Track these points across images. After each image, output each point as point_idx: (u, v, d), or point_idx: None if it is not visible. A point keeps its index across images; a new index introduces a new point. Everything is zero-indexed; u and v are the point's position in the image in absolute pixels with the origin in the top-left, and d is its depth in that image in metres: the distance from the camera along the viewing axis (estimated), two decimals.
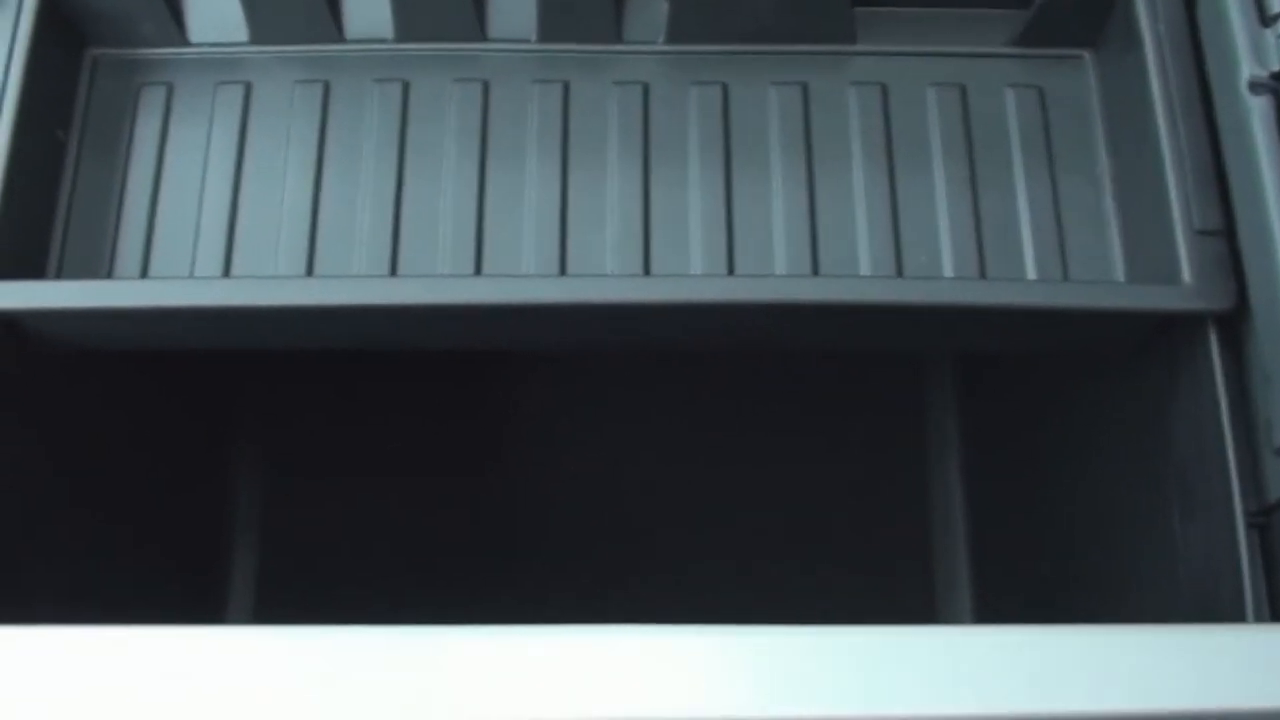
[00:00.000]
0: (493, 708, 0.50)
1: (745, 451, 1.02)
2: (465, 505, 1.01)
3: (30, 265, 0.63)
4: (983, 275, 0.63)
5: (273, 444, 1.01)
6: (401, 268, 0.63)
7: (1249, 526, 0.58)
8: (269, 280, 0.63)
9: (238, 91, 0.67)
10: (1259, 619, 0.56)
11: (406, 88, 0.67)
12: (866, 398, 1.02)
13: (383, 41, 0.68)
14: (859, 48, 0.68)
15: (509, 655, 0.51)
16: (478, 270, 0.63)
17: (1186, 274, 0.60)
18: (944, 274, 0.63)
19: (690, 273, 0.63)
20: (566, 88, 0.67)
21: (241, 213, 0.65)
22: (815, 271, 0.63)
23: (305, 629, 0.52)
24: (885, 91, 0.67)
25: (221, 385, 1.00)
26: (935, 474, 1.00)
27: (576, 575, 0.94)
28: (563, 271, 0.63)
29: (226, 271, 0.63)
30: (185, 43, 0.68)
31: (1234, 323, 0.60)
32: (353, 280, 0.62)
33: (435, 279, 0.62)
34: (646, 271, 0.63)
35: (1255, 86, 0.59)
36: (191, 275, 0.64)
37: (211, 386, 0.99)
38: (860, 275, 0.63)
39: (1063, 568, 0.81)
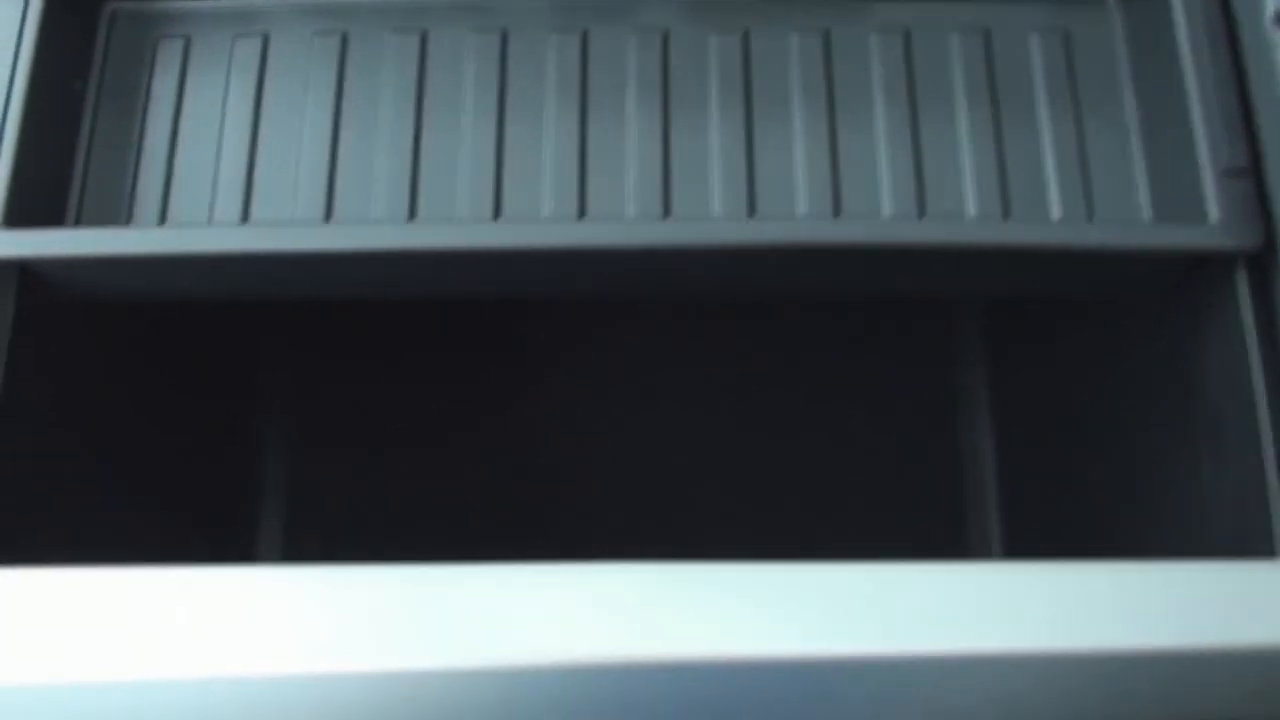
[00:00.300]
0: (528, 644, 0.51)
1: (769, 405, 1.01)
2: (491, 467, 1.01)
3: (48, 215, 0.63)
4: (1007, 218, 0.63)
5: (298, 407, 1.01)
6: (420, 216, 0.63)
7: None
8: (287, 226, 0.62)
9: (255, 43, 0.67)
10: None
11: (424, 37, 0.66)
12: (893, 348, 1.01)
13: None
14: None
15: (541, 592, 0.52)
16: (497, 215, 0.62)
17: (1214, 214, 0.59)
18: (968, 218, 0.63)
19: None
20: (585, 36, 0.66)
21: (260, 163, 0.64)
22: (837, 216, 0.62)
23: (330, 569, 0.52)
24: (908, 37, 0.66)
25: (246, 348, 1.00)
26: (964, 424, 0.99)
27: (601, 531, 0.93)
28: (582, 218, 0.63)
29: (245, 220, 0.63)
30: None
31: (1262, 262, 0.59)
32: (371, 225, 0.62)
33: (453, 223, 0.62)
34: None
35: None
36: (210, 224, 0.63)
37: (236, 349, 0.99)
38: (882, 217, 0.62)
39: (1092, 516, 0.80)
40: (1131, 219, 0.63)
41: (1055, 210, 0.63)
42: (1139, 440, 0.72)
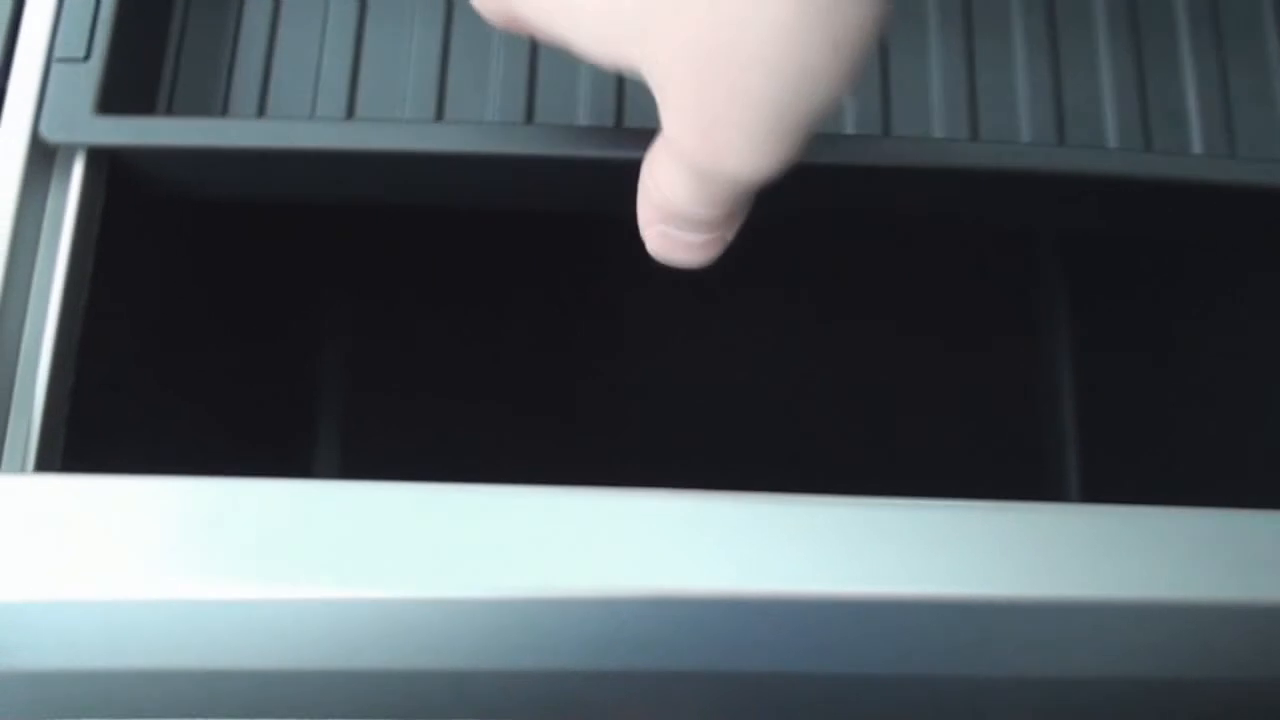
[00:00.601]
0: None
1: (837, 335, 0.99)
2: (554, 390, 0.98)
3: (141, 106, 0.59)
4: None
5: (358, 328, 0.99)
6: (537, 119, 0.60)
7: None
8: (397, 124, 0.59)
9: None
10: None
11: None
12: (970, 279, 0.99)
13: None
14: None
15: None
16: (619, 122, 0.60)
17: None
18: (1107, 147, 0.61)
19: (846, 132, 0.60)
20: None
21: (365, 58, 0.61)
22: (974, 137, 0.60)
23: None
24: None
25: (311, 274, 0.97)
26: (1043, 359, 0.97)
27: (662, 458, 0.91)
28: None
29: (349, 117, 0.60)
30: None
31: None
32: (487, 126, 0.59)
33: (575, 129, 0.59)
34: None
35: None
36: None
37: (302, 274, 0.96)
38: (1021, 142, 0.60)
39: (1187, 461, 0.78)
40: (1276, 157, 0.61)
41: (1196, 145, 0.61)
42: (1244, 383, 0.70)
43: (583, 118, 0.60)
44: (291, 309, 0.96)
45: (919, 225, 0.91)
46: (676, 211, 0.45)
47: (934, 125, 0.60)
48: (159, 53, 0.61)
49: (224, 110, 0.60)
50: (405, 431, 0.96)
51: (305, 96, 0.60)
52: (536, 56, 0.61)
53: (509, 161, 0.57)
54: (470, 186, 0.61)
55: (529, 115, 0.60)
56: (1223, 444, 0.73)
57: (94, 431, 0.57)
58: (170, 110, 0.60)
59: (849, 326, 0.99)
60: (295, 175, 0.60)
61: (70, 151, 0.57)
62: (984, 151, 0.58)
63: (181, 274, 0.72)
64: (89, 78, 0.56)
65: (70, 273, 0.55)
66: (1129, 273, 0.88)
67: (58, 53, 0.57)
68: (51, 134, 0.56)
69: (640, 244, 0.51)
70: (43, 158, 0.56)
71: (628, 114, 0.60)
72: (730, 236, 0.48)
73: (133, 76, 0.59)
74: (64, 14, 0.57)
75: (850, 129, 0.60)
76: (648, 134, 0.59)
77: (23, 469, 0.52)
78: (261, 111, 0.60)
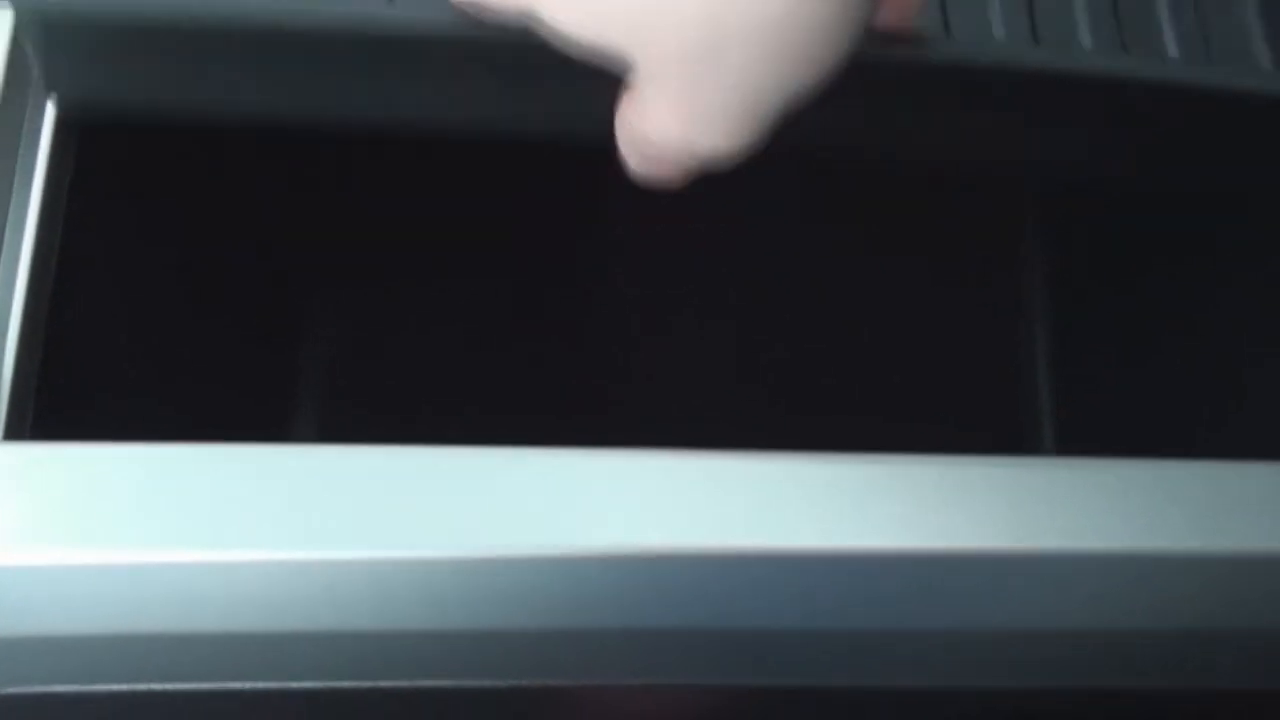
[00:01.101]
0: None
1: (810, 294, 0.98)
2: (542, 353, 0.96)
3: None
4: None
5: (340, 291, 0.97)
6: None
7: None
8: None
9: None
10: None
11: None
12: (947, 230, 0.98)
13: None
14: None
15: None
16: None
17: None
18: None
19: None
20: None
21: None
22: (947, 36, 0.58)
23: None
24: None
25: (295, 255, 0.95)
26: (1020, 313, 0.97)
27: (647, 414, 0.90)
28: None
29: None
30: None
31: None
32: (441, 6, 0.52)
33: None
34: None
35: None
36: None
37: (285, 253, 0.94)
38: (997, 43, 0.58)
39: (1161, 418, 0.78)
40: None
41: (1171, 51, 0.60)
42: (1226, 339, 0.70)
43: None
44: (273, 289, 0.94)
45: (901, 183, 0.90)
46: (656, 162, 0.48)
47: None
48: None
49: None
50: (384, 410, 0.95)
51: None
52: None
53: (465, 51, 0.52)
54: (421, 97, 0.57)
55: None
56: (1195, 399, 0.73)
57: (64, 402, 0.55)
58: None
59: (825, 286, 0.98)
60: (223, 77, 0.55)
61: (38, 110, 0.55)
62: (956, 50, 0.57)
63: (157, 246, 0.71)
64: None
65: (38, 242, 0.54)
66: (1106, 234, 0.89)
67: None
68: None
69: (617, 198, 0.51)
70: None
71: None
72: None
73: None
74: None
75: None
76: None
77: None
78: None
